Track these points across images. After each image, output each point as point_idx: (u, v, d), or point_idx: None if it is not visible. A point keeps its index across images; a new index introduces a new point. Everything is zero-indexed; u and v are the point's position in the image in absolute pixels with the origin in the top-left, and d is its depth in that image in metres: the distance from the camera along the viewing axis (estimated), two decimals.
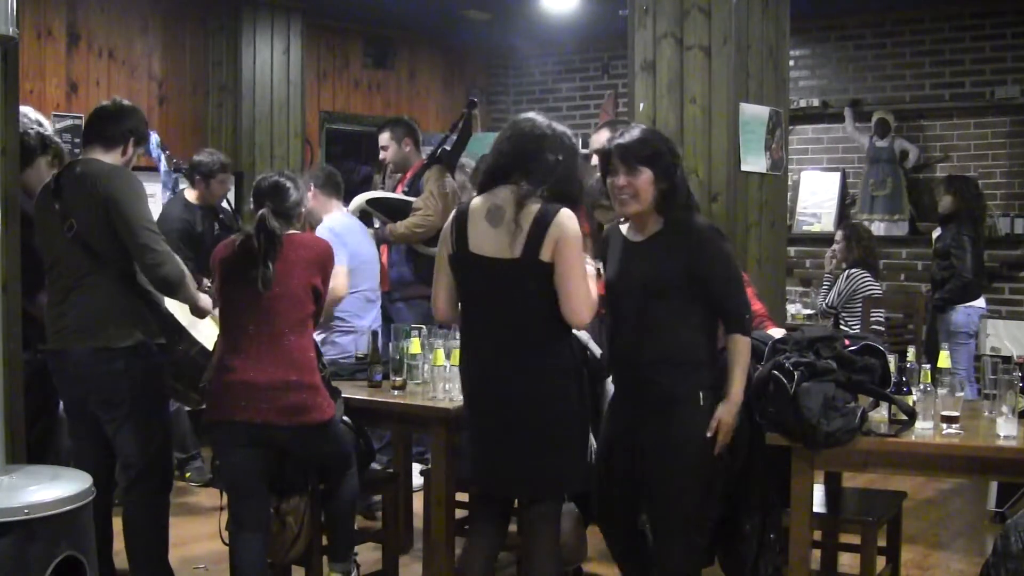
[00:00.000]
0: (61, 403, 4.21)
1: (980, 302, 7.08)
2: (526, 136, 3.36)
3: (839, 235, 7.19)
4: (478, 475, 3.53)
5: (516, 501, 3.59)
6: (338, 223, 5.19)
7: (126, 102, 4.06)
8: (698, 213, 3.61)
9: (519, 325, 3.33)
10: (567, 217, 3.28)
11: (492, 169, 3.40)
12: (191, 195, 6.09)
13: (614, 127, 4.57)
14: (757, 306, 4.01)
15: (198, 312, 3.99)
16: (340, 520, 3.93)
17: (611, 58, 9.45)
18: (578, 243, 3.29)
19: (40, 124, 4.27)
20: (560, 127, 3.41)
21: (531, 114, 3.46)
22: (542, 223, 3.26)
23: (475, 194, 3.49)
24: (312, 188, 5.19)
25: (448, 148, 5.88)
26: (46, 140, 4.26)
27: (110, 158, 3.90)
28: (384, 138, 6.06)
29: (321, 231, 5.05)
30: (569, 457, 3.39)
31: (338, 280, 4.94)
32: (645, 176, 3.42)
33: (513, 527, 3.65)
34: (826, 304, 6.98)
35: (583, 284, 3.30)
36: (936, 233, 7.36)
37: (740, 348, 3.43)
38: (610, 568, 4.58)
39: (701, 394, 3.41)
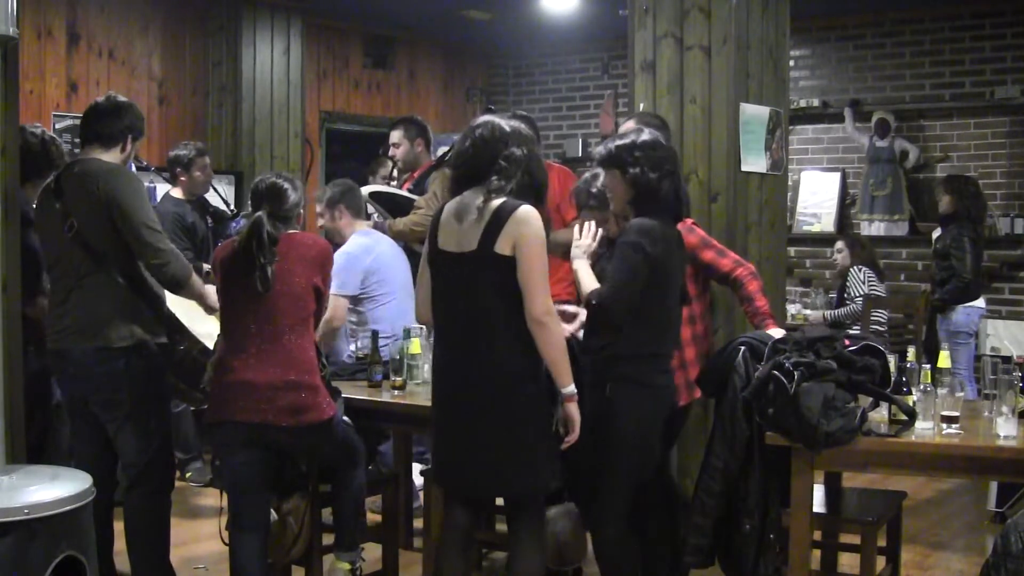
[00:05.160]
0: (56, 400, 4.22)
1: (980, 302, 7.08)
2: (488, 139, 3.40)
3: (839, 244, 7.25)
4: (440, 472, 3.55)
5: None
6: (356, 246, 5.13)
7: (121, 98, 4.05)
8: (660, 218, 3.61)
9: (479, 319, 3.35)
10: (527, 213, 3.31)
11: (460, 176, 3.46)
12: (177, 192, 6.09)
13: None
14: (761, 302, 4.04)
15: (208, 308, 3.99)
16: (346, 513, 3.93)
17: (611, 58, 9.44)
18: (537, 241, 3.30)
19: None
20: (515, 122, 3.48)
21: (485, 117, 3.54)
22: (500, 217, 3.30)
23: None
24: (340, 206, 5.13)
25: None
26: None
27: (109, 156, 3.90)
28: (396, 136, 6.02)
29: (339, 257, 4.95)
30: (525, 456, 3.37)
31: (336, 311, 4.91)
32: (613, 176, 3.66)
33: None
34: (852, 299, 6.97)
35: (540, 283, 3.31)
36: (936, 233, 7.37)
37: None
38: None
39: (609, 386, 3.54)
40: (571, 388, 3.36)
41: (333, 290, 4.84)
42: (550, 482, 3.45)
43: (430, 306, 3.53)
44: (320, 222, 5.27)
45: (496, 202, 3.32)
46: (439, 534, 3.95)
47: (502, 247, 3.28)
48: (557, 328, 3.34)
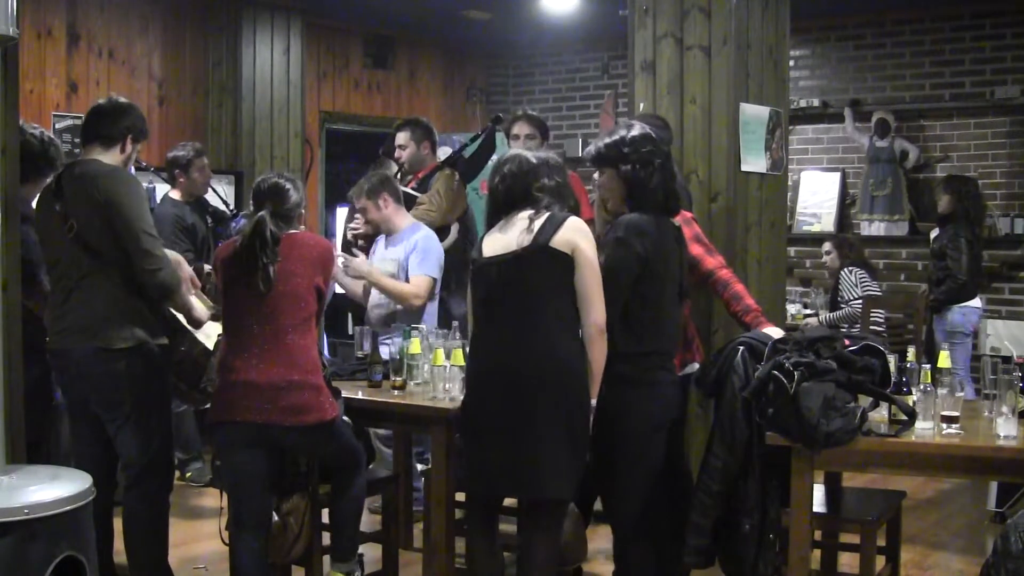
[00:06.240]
0: (56, 400, 4.21)
1: (976, 302, 7.08)
2: (517, 173, 3.53)
3: (827, 246, 7.24)
4: (480, 480, 3.56)
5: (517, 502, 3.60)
6: (432, 234, 5.14)
7: (123, 99, 4.06)
8: (652, 213, 3.64)
9: (531, 315, 3.41)
10: (581, 223, 3.48)
11: (495, 208, 3.58)
12: (176, 194, 6.09)
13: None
14: (751, 300, 4.04)
15: (192, 321, 3.99)
16: (345, 520, 3.92)
17: (611, 58, 9.44)
18: (593, 252, 3.44)
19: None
20: (542, 152, 3.65)
21: (511, 152, 3.68)
22: (555, 221, 3.44)
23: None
24: (383, 194, 5.07)
25: (466, 157, 5.88)
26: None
27: (109, 157, 3.90)
28: (403, 138, 5.99)
29: (426, 241, 5.01)
30: (566, 456, 3.41)
31: (423, 288, 4.93)
32: (606, 175, 3.69)
33: (513, 527, 3.66)
34: (845, 302, 6.97)
35: (598, 294, 3.43)
36: (934, 233, 7.37)
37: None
38: (611, 568, 4.58)
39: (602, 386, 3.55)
40: (593, 402, 3.46)
41: (420, 271, 4.91)
42: (570, 488, 3.50)
43: None
44: (363, 218, 5.22)
45: (547, 212, 3.47)
46: (438, 533, 3.96)
47: (558, 243, 3.40)
48: (604, 346, 3.45)
